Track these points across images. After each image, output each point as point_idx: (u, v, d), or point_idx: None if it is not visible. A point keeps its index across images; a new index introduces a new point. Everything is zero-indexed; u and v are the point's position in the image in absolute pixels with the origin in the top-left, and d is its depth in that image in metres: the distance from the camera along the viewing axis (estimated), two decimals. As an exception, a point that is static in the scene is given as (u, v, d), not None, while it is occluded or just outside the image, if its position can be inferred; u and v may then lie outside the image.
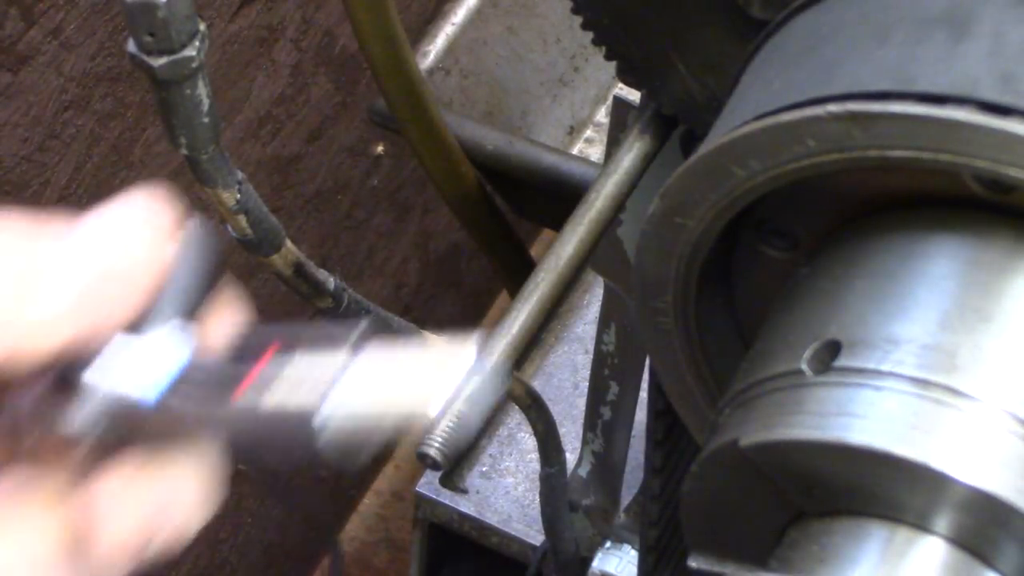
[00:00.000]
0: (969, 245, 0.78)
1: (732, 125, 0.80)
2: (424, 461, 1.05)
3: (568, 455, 1.56)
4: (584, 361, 1.93)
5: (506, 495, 1.93)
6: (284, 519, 2.17)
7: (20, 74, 1.50)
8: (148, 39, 0.98)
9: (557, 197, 1.73)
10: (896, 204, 0.81)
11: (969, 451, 0.71)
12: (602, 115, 2.25)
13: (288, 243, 1.14)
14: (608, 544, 1.73)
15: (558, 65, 2.18)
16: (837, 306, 0.79)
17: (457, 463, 1.94)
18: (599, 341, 1.53)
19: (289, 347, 0.58)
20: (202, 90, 1.01)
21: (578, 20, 1.12)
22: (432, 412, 0.55)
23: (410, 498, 1.96)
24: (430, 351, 0.56)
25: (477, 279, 2.38)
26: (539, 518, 1.63)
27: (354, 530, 2.33)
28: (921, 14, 0.77)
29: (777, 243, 0.87)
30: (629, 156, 1.18)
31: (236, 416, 0.58)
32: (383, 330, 0.57)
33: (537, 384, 1.94)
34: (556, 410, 1.50)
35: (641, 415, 1.44)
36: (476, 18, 2.02)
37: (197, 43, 0.99)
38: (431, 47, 1.97)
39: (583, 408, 1.63)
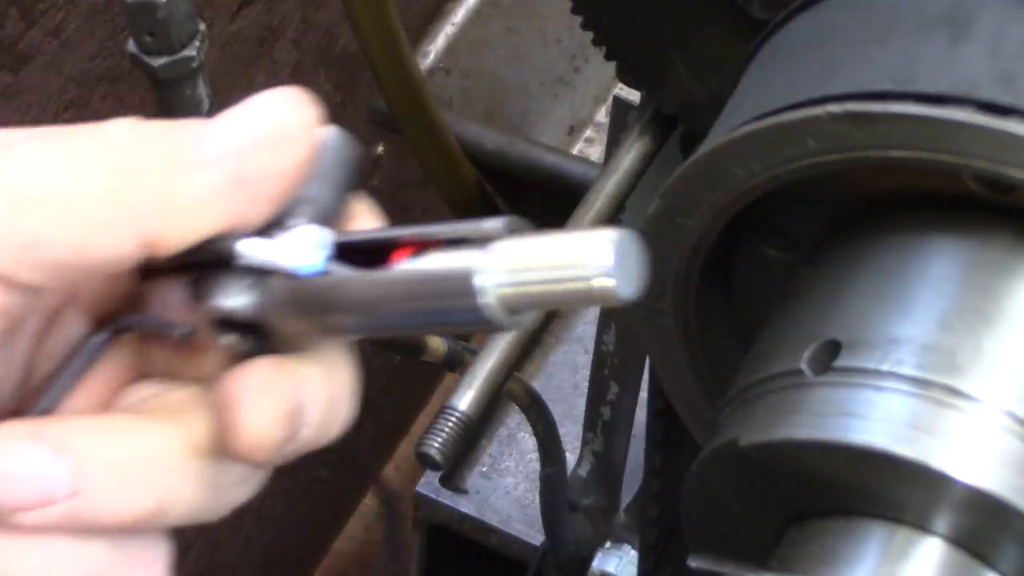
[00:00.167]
0: (969, 245, 0.78)
1: (732, 125, 0.80)
2: (424, 461, 1.05)
3: (568, 455, 1.56)
4: (584, 361, 1.93)
5: (506, 495, 1.93)
6: (284, 519, 2.17)
7: (20, 74, 1.50)
8: (148, 39, 0.98)
9: (557, 197, 1.74)
10: (896, 204, 0.81)
11: (969, 451, 0.71)
12: (602, 115, 2.25)
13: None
14: (608, 544, 1.73)
15: (558, 65, 2.19)
16: (837, 306, 0.79)
17: (457, 463, 1.94)
18: (599, 341, 1.53)
19: (428, 241, 0.56)
20: (202, 90, 1.01)
21: (578, 20, 1.12)
22: (596, 267, 0.51)
23: (410, 498, 1.96)
24: (573, 233, 0.53)
25: (477, 279, 2.37)
26: (539, 518, 1.63)
27: (354, 530, 2.33)
28: (921, 14, 0.77)
29: (777, 243, 0.87)
30: (629, 156, 1.18)
31: (398, 276, 0.55)
32: (519, 227, 0.55)
33: (537, 384, 1.94)
34: (556, 410, 1.50)
35: (641, 415, 1.44)
36: (476, 18, 2.02)
37: (197, 43, 0.99)
38: (431, 47, 1.98)
39: (583, 408, 1.63)
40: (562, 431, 1.50)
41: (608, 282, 0.52)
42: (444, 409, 1.05)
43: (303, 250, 0.57)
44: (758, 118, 0.78)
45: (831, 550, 0.75)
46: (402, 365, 2.24)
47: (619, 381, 1.55)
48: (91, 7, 1.54)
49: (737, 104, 0.85)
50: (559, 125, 2.21)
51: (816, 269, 0.83)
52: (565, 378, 2.01)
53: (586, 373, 1.62)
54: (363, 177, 0.61)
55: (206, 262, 0.58)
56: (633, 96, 1.23)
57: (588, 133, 2.26)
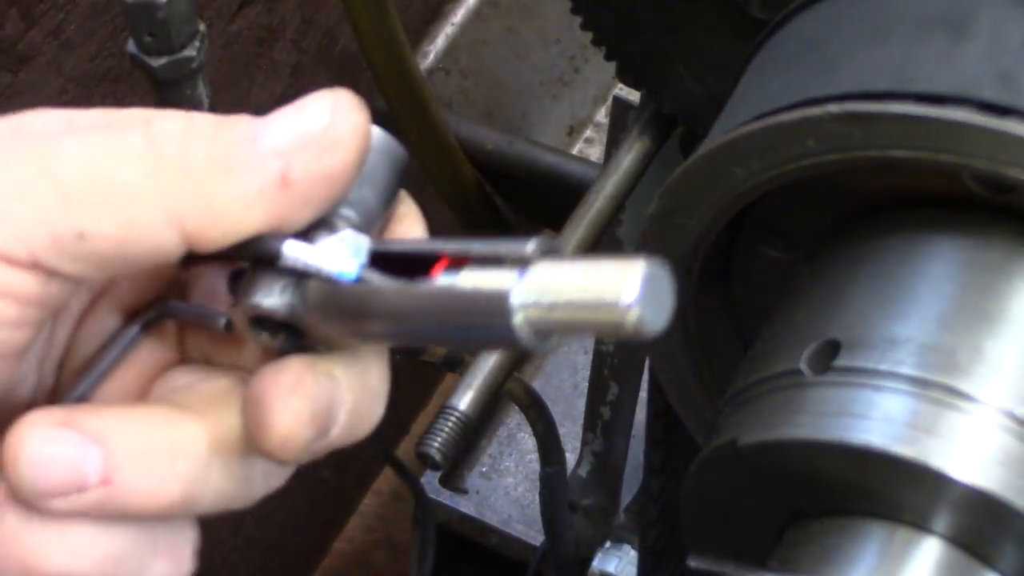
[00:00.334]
0: (969, 245, 0.78)
1: (732, 125, 0.80)
2: (424, 461, 1.05)
3: (568, 455, 1.56)
4: (584, 361, 1.93)
5: (506, 495, 1.93)
6: (284, 519, 2.17)
7: (20, 74, 1.50)
8: (148, 39, 0.98)
9: (557, 197, 1.73)
10: (896, 204, 0.81)
11: (968, 451, 0.71)
12: (602, 115, 2.25)
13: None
14: (608, 544, 1.73)
15: (558, 65, 2.18)
16: (837, 306, 0.79)
17: (457, 463, 1.94)
18: (599, 341, 1.53)
19: (463, 257, 0.57)
20: (202, 90, 1.01)
21: (578, 20, 1.12)
22: (624, 300, 0.52)
23: (410, 498, 1.96)
24: (605, 261, 0.54)
25: (477, 279, 2.37)
26: (539, 518, 1.63)
27: (354, 530, 2.33)
28: (920, 14, 0.77)
29: (777, 243, 0.87)
30: (629, 156, 1.18)
31: (432, 291, 0.56)
32: (554, 249, 0.56)
33: (537, 384, 1.94)
34: (556, 410, 1.50)
35: (641, 415, 1.44)
36: (476, 18, 2.02)
37: (197, 43, 0.99)
38: (431, 47, 1.98)
39: (583, 408, 1.63)
40: (562, 431, 1.50)
41: (635, 315, 0.52)
42: (444, 409, 1.05)
43: (342, 256, 0.58)
44: (758, 118, 0.78)
45: (831, 550, 0.75)
46: (402, 365, 2.23)
47: (619, 381, 1.55)
48: (91, 7, 1.54)
49: (737, 104, 0.85)
50: (559, 125, 2.21)
51: (816, 269, 0.83)
52: (565, 378, 2.01)
53: (586, 373, 1.62)
54: (403, 176, 0.62)
55: (248, 257, 0.58)
56: (633, 96, 1.23)
57: (588, 133, 2.26)
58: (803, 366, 0.77)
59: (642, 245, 0.87)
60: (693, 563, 0.82)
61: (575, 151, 2.21)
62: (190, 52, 0.98)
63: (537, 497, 1.60)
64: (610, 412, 1.59)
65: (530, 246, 0.55)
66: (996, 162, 0.72)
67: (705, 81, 1.09)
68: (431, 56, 1.97)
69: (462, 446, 1.05)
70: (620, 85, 1.22)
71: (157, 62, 0.98)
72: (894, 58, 0.76)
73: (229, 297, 0.60)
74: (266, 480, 0.60)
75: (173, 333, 0.63)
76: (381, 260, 0.58)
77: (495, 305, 0.54)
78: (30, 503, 0.56)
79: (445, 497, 1.91)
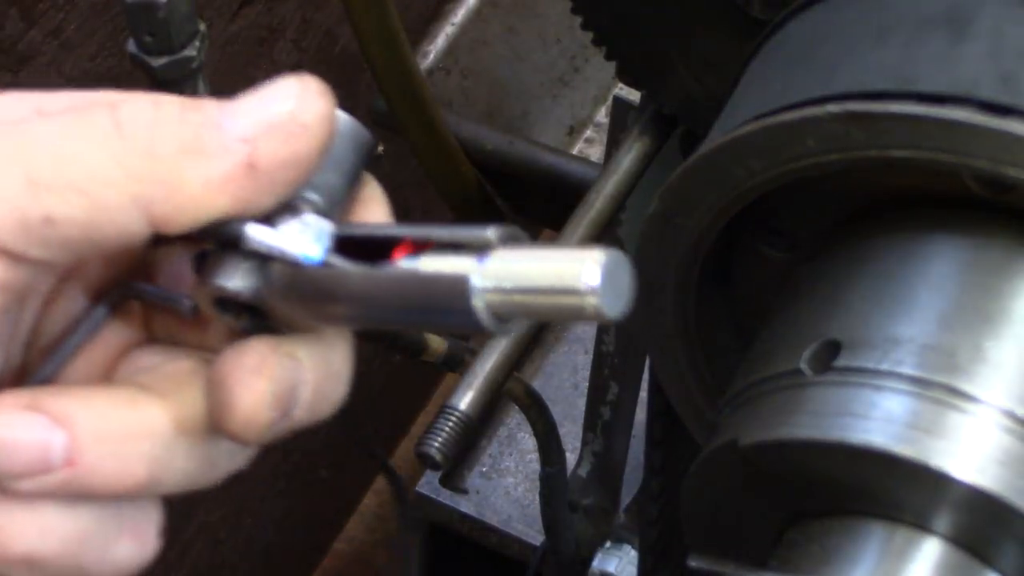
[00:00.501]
0: (969, 245, 0.78)
1: (732, 125, 0.80)
2: (424, 461, 1.05)
3: (568, 455, 1.56)
4: (584, 361, 1.93)
5: (506, 495, 1.93)
6: (284, 519, 2.17)
7: (20, 74, 1.50)
8: (148, 39, 0.98)
9: (557, 197, 1.73)
10: (896, 204, 0.81)
11: (968, 451, 0.71)
12: (602, 115, 2.25)
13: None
14: (608, 544, 1.73)
15: (558, 65, 2.18)
16: (837, 306, 0.79)
17: (457, 463, 1.94)
18: (599, 341, 1.53)
19: (426, 242, 0.58)
20: (202, 90, 1.01)
21: (578, 20, 1.12)
22: (584, 284, 0.53)
23: (410, 498, 1.96)
24: (565, 249, 0.55)
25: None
26: (539, 518, 1.63)
27: (354, 530, 2.33)
28: (921, 14, 0.77)
29: (777, 243, 0.87)
30: (629, 156, 1.18)
31: (395, 275, 0.57)
32: (515, 236, 0.57)
33: (537, 384, 1.94)
34: (556, 410, 1.50)
35: (641, 415, 1.44)
36: (476, 18, 2.02)
37: (197, 43, 0.99)
38: (431, 47, 1.97)
39: (583, 408, 1.63)
40: (562, 431, 1.50)
41: (594, 300, 0.54)
42: (444, 409, 1.05)
43: (306, 240, 0.59)
44: (758, 118, 0.78)
45: (831, 550, 0.75)
46: (402, 365, 2.24)
47: (619, 381, 1.55)
48: (91, 7, 1.54)
49: (737, 104, 0.85)
50: (559, 125, 2.20)
51: (816, 269, 0.83)
52: (565, 378, 2.01)
53: (586, 373, 1.62)
54: (373, 161, 0.62)
55: (214, 239, 0.59)
56: (633, 96, 1.23)
57: (588, 133, 2.25)
58: (803, 366, 0.77)
59: (642, 245, 0.87)
60: (693, 563, 0.82)
61: (575, 151, 2.21)
62: (190, 52, 0.98)
63: (537, 497, 1.60)
64: (610, 412, 1.59)
65: (491, 232, 0.56)
66: (996, 162, 0.72)
67: (705, 81, 1.09)
68: (431, 56, 1.97)
69: (462, 446, 1.05)
70: (620, 85, 1.22)
71: (157, 62, 0.98)
72: (894, 58, 0.76)
73: (194, 278, 0.61)
74: (230, 459, 0.61)
75: (139, 313, 0.64)
76: (344, 244, 0.59)
77: (456, 289, 0.55)
78: None
79: (445, 497, 1.91)
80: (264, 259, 0.59)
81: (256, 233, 0.58)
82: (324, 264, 0.58)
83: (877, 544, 0.74)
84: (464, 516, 1.90)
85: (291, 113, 0.58)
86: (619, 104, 1.30)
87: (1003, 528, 0.71)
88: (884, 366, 0.74)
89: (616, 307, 0.54)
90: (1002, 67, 0.73)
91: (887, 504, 0.73)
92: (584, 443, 1.66)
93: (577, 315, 0.54)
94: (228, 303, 0.60)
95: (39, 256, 0.56)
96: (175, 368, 0.61)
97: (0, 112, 0.58)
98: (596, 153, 2.19)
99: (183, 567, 1.99)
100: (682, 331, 0.89)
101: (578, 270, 0.54)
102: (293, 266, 0.58)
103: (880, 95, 0.74)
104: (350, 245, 0.59)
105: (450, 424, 1.04)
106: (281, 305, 0.59)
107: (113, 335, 0.63)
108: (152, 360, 0.62)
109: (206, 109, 0.58)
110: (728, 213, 0.82)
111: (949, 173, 0.76)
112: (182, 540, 1.94)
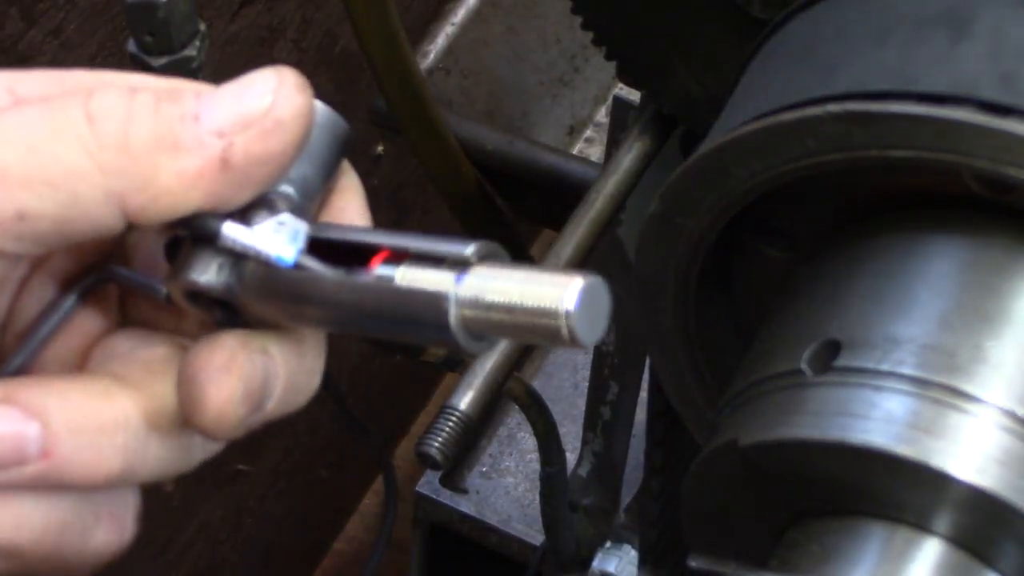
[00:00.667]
0: (969, 245, 0.78)
1: (732, 125, 0.80)
2: (424, 461, 1.05)
3: (568, 455, 1.56)
4: (584, 361, 1.93)
5: (506, 495, 1.93)
6: (284, 519, 2.17)
7: (20, 74, 1.50)
8: (148, 39, 0.98)
9: (557, 197, 1.73)
10: (896, 204, 0.81)
11: (969, 450, 0.71)
12: (602, 115, 2.25)
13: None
14: (608, 544, 1.73)
15: (558, 65, 2.18)
16: (837, 306, 0.79)
17: (457, 463, 1.94)
18: (599, 341, 1.53)
19: (403, 251, 0.57)
20: (202, 90, 1.01)
21: (578, 20, 1.12)
22: (561, 308, 0.53)
23: (410, 498, 1.96)
24: (545, 271, 0.55)
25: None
26: (539, 518, 1.63)
27: (354, 530, 2.33)
28: (921, 14, 0.77)
29: (777, 243, 0.87)
30: (629, 156, 1.18)
31: (371, 284, 0.57)
32: (496, 253, 0.57)
33: (537, 384, 1.94)
34: (556, 410, 1.50)
35: (641, 415, 1.44)
36: (476, 18, 2.02)
37: (197, 43, 0.99)
38: (431, 47, 1.97)
39: (583, 408, 1.63)
40: (562, 431, 1.50)
41: (571, 324, 0.53)
42: (444, 409, 1.05)
43: (280, 241, 0.58)
44: (758, 118, 0.78)
45: (831, 550, 0.75)
46: (402, 365, 2.24)
47: (619, 381, 1.55)
48: (91, 7, 1.54)
49: (737, 104, 0.85)
50: (559, 125, 2.20)
51: (816, 269, 0.83)
52: (565, 378, 2.01)
53: (586, 373, 1.62)
54: (350, 150, 0.62)
55: (188, 232, 0.59)
56: (633, 96, 1.23)
57: (588, 133, 2.25)
58: (803, 366, 0.77)
59: (642, 245, 0.87)
60: (693, 563, 0.82)
61: (575, 151, 2.21)
62: (190, 52, 0.98)
63: (537, 497, 1.60)
64: (610, 412, 1.59)
65: (469, 249, 0.56)
66: (997, 162, 0.72)
67: (705, 81, 1.09)
68: (431, 56, 1.97)
69: (462, 446, 1.05)
70: (620, 85, 1.22)
71: (157, 62, 0.98)
72: (894, 58, 0.76)
73: (167, 267, 0.61)
74: (205, 448, 0.61)
75: (115, 297, 0.64)
76: (319, 246, 0.59)
77: (433, 304, 0.55)
78: None
79: (445, 497, 1.91)
80: (238, 256, 0.59)
81: (230, 231, 0.58)
82: (297, 266, 0.58)
83: (877, 544, 0.74)
84: (464, 516, 1.90)
85: (268, 109, 0.57)
86: (619, 104, 1.30)
87: (1003, 528, 0.71)
88: (884, 366, 0.74)
89: (592, 334, 0.54)
90: (1002, 67, 0.73)
91: (887, 504, 0.73)
92: (584, 443, 1.66)
93: (553, 338, 0.54)
94: (200, 297, 0.59)
95: (12, 250, 0.56)
96: (150, 355, 0.61)
97: None
98: (596, 153, 2.19)
99: (183, 567, 1.99)
100: (682, 331, 0.89)
101: (558, 294, 0.54)
102: (266, 266, 0.58)
103: (880, 95, 0.74)
104: (326, 247, 0.59)
105: (450, 424, 1.04)
106: (253, 303, 0.59)
107: (88, 320, 0.63)
108: (127, 345, 0.62)
109: (183, 99, 0.58)
110: (728, 213, 0.82)
111: (949, 173, 0.76)
112: (182, 540, 1.94)
